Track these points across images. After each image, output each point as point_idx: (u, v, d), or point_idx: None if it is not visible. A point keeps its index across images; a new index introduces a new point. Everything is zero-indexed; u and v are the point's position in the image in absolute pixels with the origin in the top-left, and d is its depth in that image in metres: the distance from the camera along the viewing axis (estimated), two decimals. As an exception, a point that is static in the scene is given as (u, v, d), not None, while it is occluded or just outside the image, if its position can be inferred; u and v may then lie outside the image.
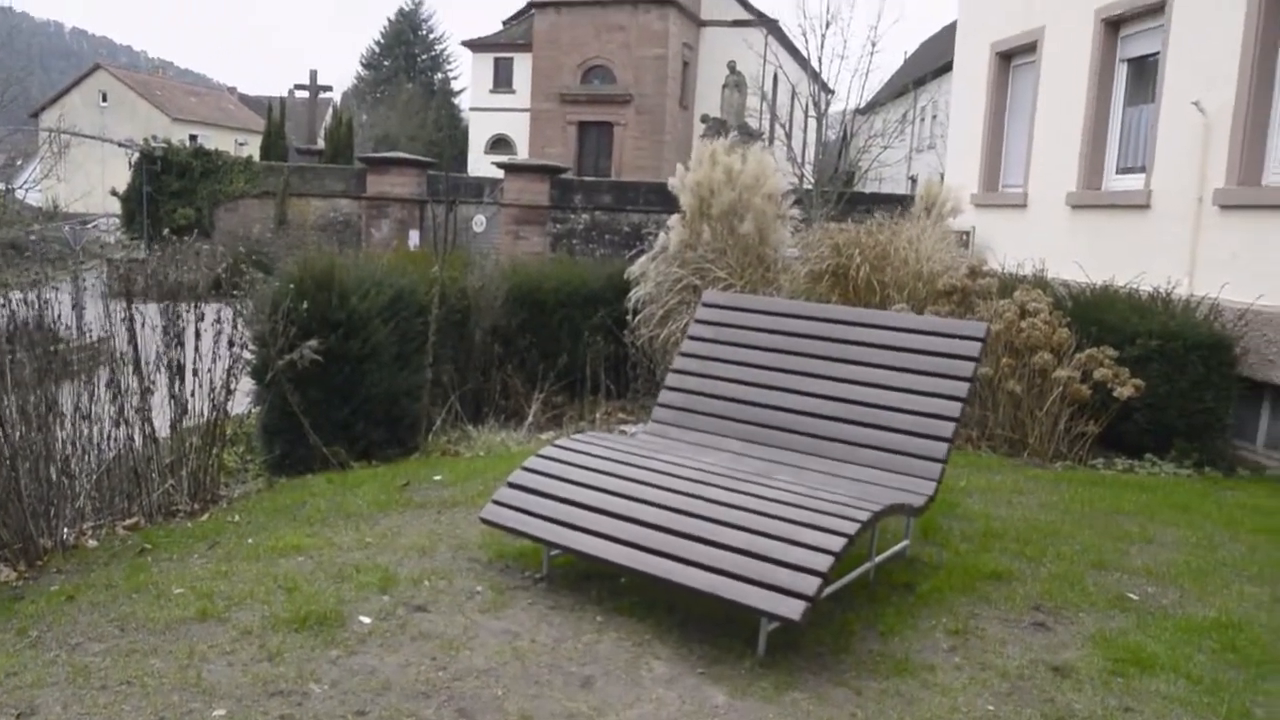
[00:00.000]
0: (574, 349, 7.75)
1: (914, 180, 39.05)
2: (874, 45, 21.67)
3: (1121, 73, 9.44)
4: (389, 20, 67.80)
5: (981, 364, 5.47)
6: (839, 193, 19.27)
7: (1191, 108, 7.88)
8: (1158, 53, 8.62)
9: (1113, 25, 9.37)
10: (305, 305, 5.73)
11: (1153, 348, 6.80)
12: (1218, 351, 6.91)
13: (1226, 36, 7.64)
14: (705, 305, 4.30)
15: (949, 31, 18.65)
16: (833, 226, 7.60)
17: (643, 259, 7.85)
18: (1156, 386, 6.69)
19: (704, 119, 26.68)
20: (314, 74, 36.24)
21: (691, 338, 4.30)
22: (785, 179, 17.39)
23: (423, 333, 6.54)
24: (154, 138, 28.67)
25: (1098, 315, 7.20)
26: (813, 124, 23.34)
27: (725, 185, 7.33)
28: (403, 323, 6.39)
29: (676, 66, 41.02)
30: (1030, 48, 10.86)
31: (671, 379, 4.31)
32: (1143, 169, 8.80)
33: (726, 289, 7.06)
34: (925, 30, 43.12)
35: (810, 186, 19.34)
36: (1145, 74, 9.04)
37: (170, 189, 25.64)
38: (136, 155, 26.31)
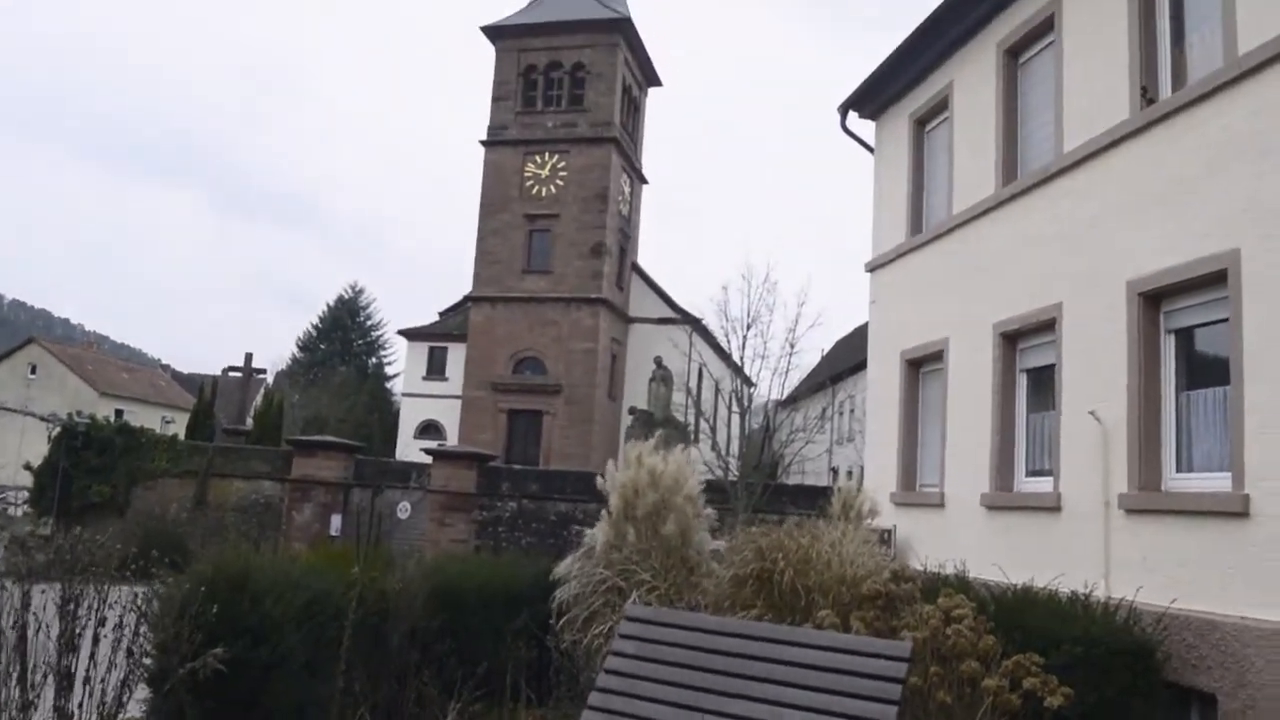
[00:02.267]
0: (494, 653, 7.45)
1: (835, 471, 40.04)
2: (793, 347, 22.89)
3: (1023, 382, 10.06)
4: (328, 305, 69.96)
5: (911, 675, 5.40)
6: (764, 484, 19.61)
7: (1090, 416, 8.38)
8: (1054, 364, 9.26)
9: (1010, 339, 10.10)
10: (215, 609, 5.48)
11: (1077, 654, 6.78)
12: (1141, 657, 6.92)
13: (1113, 352, 8.27)
14: (628, 620, 4.25)
15: (862, 331, 19.95)
16: (756, 530, 7.68)
17: (568, 559, 7.78)
18: (1085, 695, 6.60)
19: (631, 411, 27.44)
20: (249, 356, 36.75)
21: (615, 654, 4.20)
22: (710, 472, 17.69)
23: (337, 638, 6.26)
24: (79, 413, 28.33)
25: (1021, 620, 7.21)
26: (736, 418, 24.10)
27: (649, 486, 7.44)
28: (316, 628, 6.12)
29: (605, 360, 42.62)
30: (937, 356, 11.58)
31: (595, 698, 4.16)
32: (1050, 472, 9.19)
33: (651, 591, 6.99)
34: (841, 328, 45.84)
35: (735, 478, 19.68)
36: (1044, 383, 9.65)
37: (88, 464, 25.00)
38: (57, 430, 25.84)
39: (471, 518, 23.36)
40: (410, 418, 47.01)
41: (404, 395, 49.34)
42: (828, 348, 44.53)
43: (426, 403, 46.25)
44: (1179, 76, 8.33)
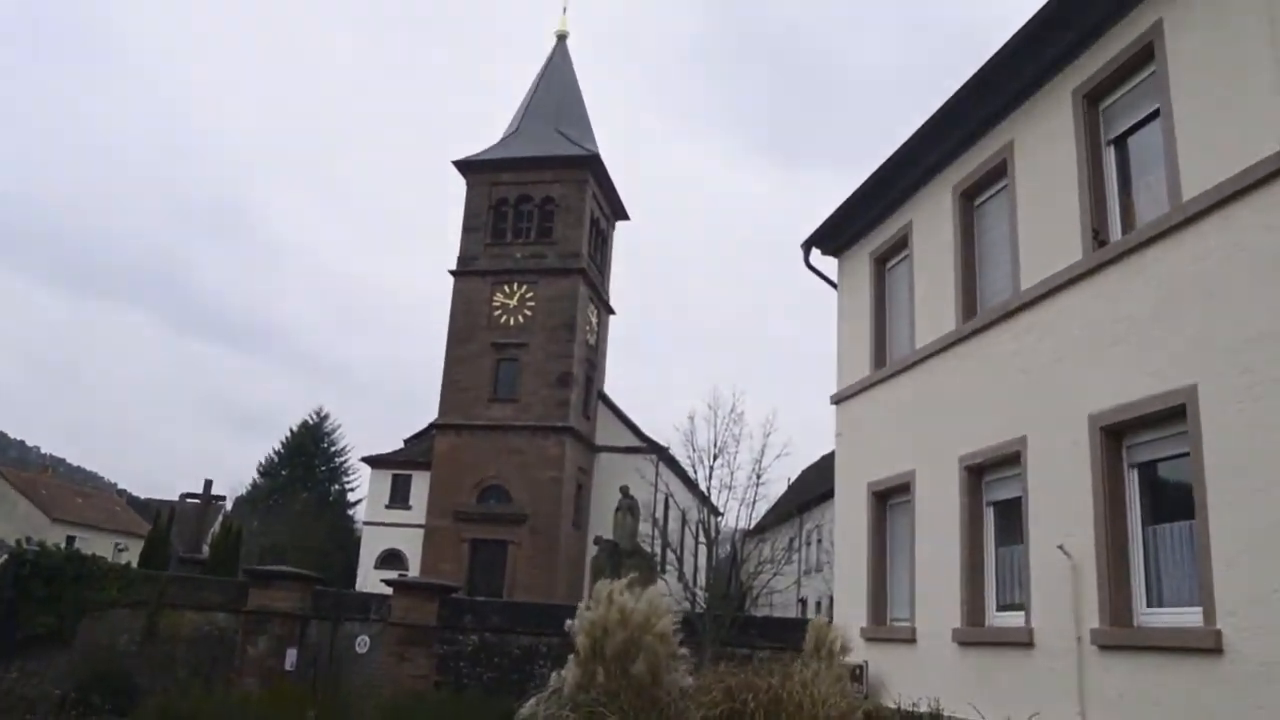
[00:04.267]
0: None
1: (804, 603, 39.47)
2: (759, 477, 22.85)
3: (990, 515, 10.07)
4: (291, 431, 69.02)
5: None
6: (732, 617, 19.27)
7: (1058, 550, 8.37)
8: (1020, 497, 9.29)
9: (976, 472, 10.15)
10: (160, 756, 5.23)
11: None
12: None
13: (1078, 486, 8.34)
14: (597, 767, 4.08)
15: (828, 460, 19.96)
16: (724, 668, 7.49)
17: (531, 701, 7.53)
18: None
19: (597, 541, 27.02)
20: (208, 483, 36.06)
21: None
22: (678, 604, 17.38)
23: (288, 785, 5.98)
24: (28, 540, 27.41)
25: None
26: (704, 548, 23.83)
27: (619, 625, 7.28)
28: (267, 775, 5.85)
29: (571, 489, 42.24)
30: (904, 489, 11.60)
31: None
32: (1021, 607, 9.11)
33: (620, 734, 6.76)
34: (807, 457, 45.91)
35: (702, 610, 19.34)
36: (1012, 516, 9.65)
37: (35, 594, 24.01)
38: (4, 557, 24.93)
39: (432, 651, 22.62)
40: (372, 547, 46.00)
41: (366, 524, 48.35)
42: (794, 476, 44.48)
43: (389, 531, 45.34)
44: (1128, 219, 8.67)
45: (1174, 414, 7.48)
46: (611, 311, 50.02)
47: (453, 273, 45.10)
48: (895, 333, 12.71)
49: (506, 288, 44.21)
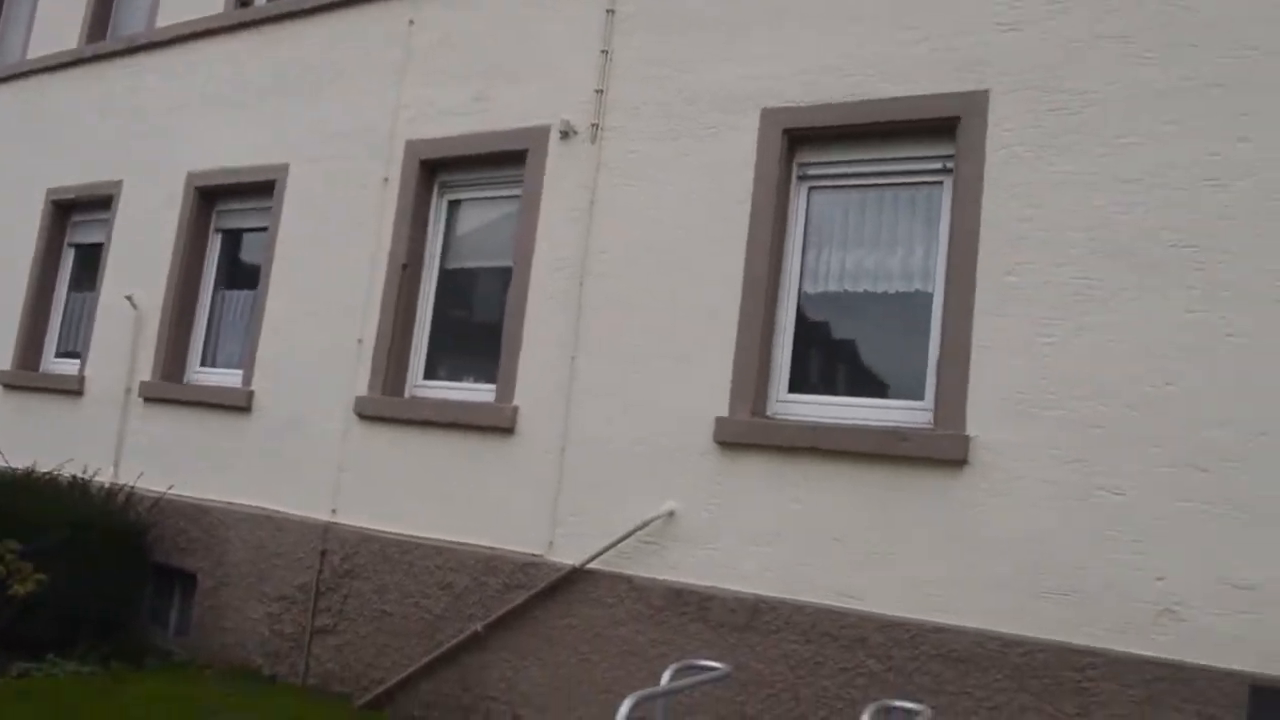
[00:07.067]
0: None
1: None
2: None
3: (70, 257, 9.41)
4: None
5: None
6: None
7: (127, 301, 8.18)
8: (104, 243, 8.80)
9: (64, 208, 9.35)
10: None
11: (67, 537, 6.64)
12: (131, 539, 7.10)
13: (164, 241, 8.20)
14: None
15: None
16: None
17: None
18: (67, 578, 6.50)
19: None
20: None
21: None
22: None
23: None
24: None
25: (11, 505, 6.79)
26: None
27: None
28: None
29: None
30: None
31: None
32: (80, 355, 8.75)
33: None
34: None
35: None
36: (92, 262, 9.11)
37: None
38: None
39: None
40: None
41: None
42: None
43: None
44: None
45: (265, 188, 7.71)
46: None
47: None
48: (9, 34, 10.87)
49: None
